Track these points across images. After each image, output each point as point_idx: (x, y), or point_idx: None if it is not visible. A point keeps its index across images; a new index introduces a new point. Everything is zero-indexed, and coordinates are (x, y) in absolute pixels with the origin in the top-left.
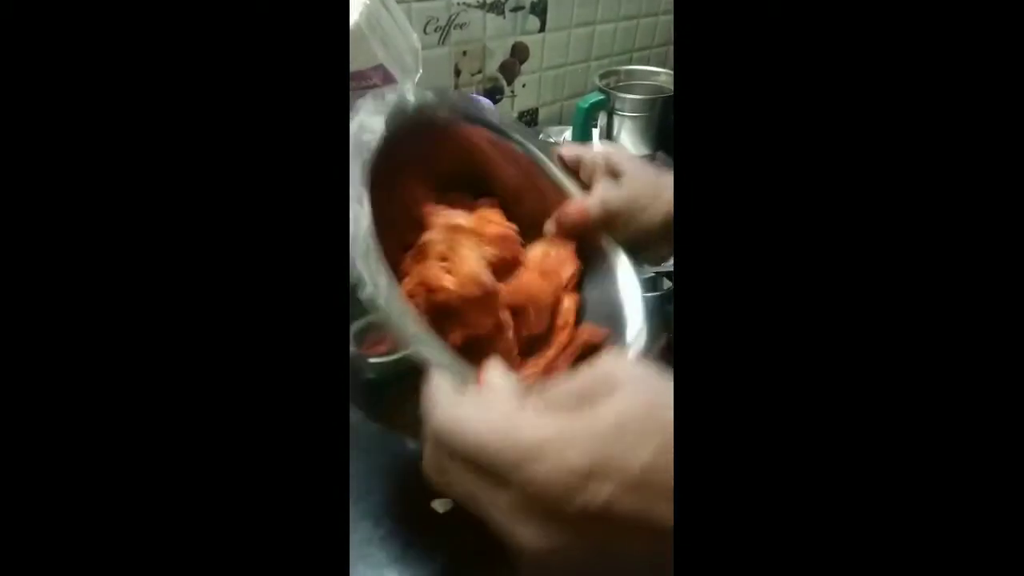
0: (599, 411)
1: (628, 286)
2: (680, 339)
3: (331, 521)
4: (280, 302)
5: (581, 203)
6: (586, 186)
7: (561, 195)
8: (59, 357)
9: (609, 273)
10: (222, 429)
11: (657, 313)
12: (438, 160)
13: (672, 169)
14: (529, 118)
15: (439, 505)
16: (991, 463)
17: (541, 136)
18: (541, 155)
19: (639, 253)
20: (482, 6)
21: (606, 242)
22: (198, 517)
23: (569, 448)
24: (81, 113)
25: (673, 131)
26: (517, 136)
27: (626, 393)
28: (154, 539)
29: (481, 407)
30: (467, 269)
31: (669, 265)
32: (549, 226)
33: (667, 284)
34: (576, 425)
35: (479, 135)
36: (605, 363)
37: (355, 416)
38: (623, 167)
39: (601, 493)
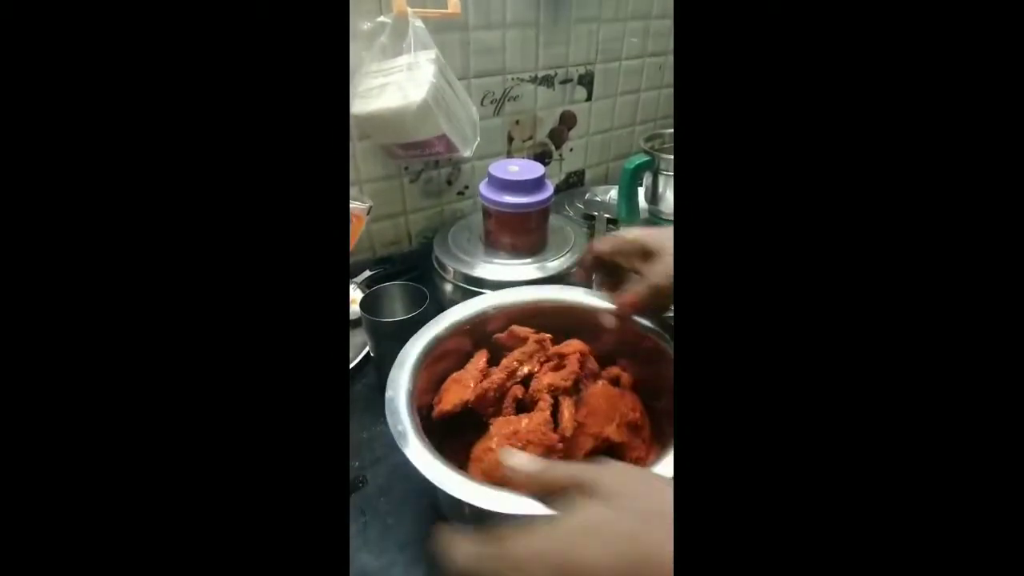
0: (571, 518)
1: None
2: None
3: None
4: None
5: (632, 293)
6: (625, 272)
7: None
8: (58, 359)
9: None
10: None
11: None
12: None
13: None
14: (575, 179)
15: None
16: (992, 469)
17: (587, 196)
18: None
19: None
20: (534, 80)
21: (651, 325)
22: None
23: (537, 562)
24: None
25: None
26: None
27: (601, 501)
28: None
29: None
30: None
31: None
32: (607, 318)
33: None
34: (544, 538)
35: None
36: (603, 468)
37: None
38: (651, 245)
39: None
